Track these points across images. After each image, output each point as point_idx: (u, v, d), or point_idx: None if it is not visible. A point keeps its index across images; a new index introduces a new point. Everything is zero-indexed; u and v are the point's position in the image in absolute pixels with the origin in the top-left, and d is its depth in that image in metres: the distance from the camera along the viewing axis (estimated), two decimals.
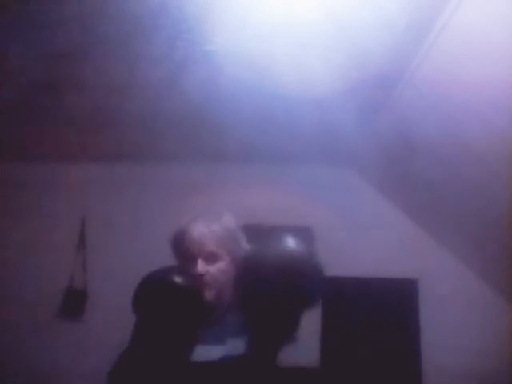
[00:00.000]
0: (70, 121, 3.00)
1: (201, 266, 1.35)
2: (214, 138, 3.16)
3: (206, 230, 1.39)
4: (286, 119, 2.88)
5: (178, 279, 1.28)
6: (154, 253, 3.17)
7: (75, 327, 3.28)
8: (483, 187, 2.62)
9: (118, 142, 3.27)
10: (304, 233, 3.53)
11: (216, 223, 1.41)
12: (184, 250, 1.39)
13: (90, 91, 2.69)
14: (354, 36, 2.10)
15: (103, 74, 2.51)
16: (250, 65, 2.34)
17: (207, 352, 1.29)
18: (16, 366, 3.13)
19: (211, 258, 1.37)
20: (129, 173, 3.54)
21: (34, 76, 2.52)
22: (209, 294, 1.33)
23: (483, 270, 3.29)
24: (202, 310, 1.29)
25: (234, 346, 1.30)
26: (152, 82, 2.55)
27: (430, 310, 3.29)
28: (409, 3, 1.91)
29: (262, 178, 3.53)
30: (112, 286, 3.24)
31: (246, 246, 1.44)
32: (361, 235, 3.44)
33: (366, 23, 2.01)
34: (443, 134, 2.54)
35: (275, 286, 1.29)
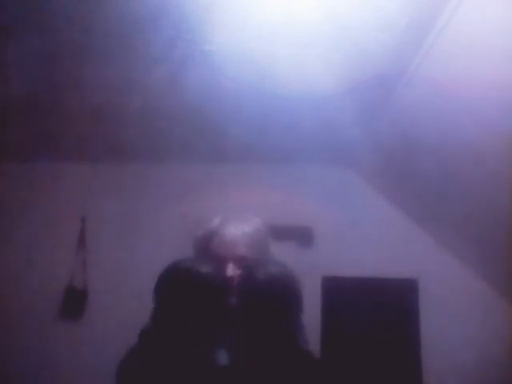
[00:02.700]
0: (70, 121, 3.00)
1: (231, 270, 1.30)
2: (214, 138, 3.16)
3: (239, 232, 1.34)
4: (286, 119, 2.88)
5: (203, 269, 1.23)
6: (154, 253, 3.18)
7: (75, 327, 3.28)
8: (483, 187, 2.62)
9: (118, 142, 3.27)
10: (304, 233, 3.54)
11: (248, 226, 1.37)
12: (213, 252, 1.34)
13: (90, 91, 2.68)
14: (354, 36, 2.09)
15: (103, 74, 2.51)
16: (249, 65, 2.34)
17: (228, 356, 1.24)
18: (16, 365, 3.13)
19: (241, 262, 1.32)
20: (129, 173, 3.54)
21: (34, 76, 2.52)
22: (235, 299, 1.27)
23: (483, 269, 3.29)
24: (224, 310, 1.25)
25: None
26: (152, 81, 2.55)
27: (430, 310, 3.29)
28: (409, 3, 1.90)
29: (262, 178, 3.52)
30: (112, 286, 3.25)
31: (272, 250, 1.41)
32: (361, 235, 3.44)
33: (366, 23, 2.01)
34: (443, 134, 2.54)
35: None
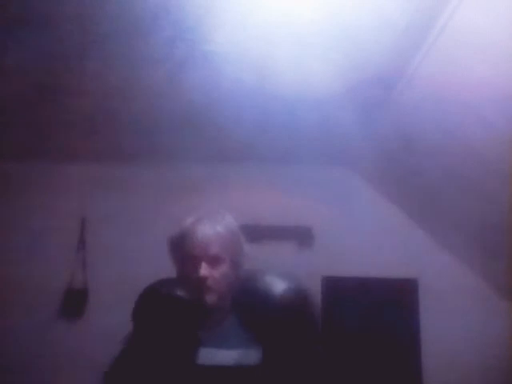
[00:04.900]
0: (70, 120, 3.00)
1: (204, 270, 1.30)
2: (214, 138, 3.16)
3: (210, 231, 1.35)
4: (285, 119, 2.88)
5: (178, 291, 1.26)
6: (153, 253, 3.17)
7: (75, 327, 3.28)
8: (483, 187, 2.62)
9: (118, 141, 3.27)
10: (304, 233, 3.54)
11: (220, 225, 1.37)
12: (186, 251, 1.34)
13: (90, 91, 2.69)
14: (354, 36, 2.10)
15: (103, 74, 2.51)
16: (249, 65, 2.34)
17: (213, 355, 1.27)
18: (16, 365, 3.13)
19: (215, 261, 1.33)
20: (129, 173, 3.54)
21: (34, 76, 2.52)
22: (210, 298, 1.30)
23: (483, 269, 3.29)
24: (202, 316, 1.27)
25: (246, 353, 1.28)
26: (152, 82, 2.55)
27: (430, 310, 3.29)
28: (409, 3, 1.91)
29: (262, 178, 3.53)
30: (112, 286, 3.24)
31: (247, 249, 1.42)
32: (361, 235, 3.44)
33: (366, 23, 2.01)
34: (443, 134, 2.54)
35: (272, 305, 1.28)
